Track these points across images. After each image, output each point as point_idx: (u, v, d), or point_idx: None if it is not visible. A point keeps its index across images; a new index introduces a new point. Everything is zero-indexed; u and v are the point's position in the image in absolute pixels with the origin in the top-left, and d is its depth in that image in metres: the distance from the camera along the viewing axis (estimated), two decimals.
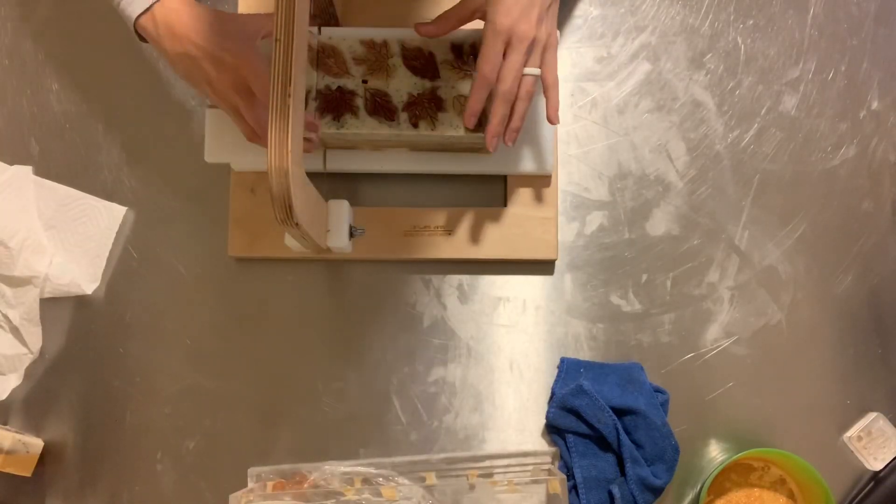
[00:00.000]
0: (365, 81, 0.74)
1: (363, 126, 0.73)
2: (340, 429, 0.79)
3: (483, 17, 0.67)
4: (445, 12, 0.70)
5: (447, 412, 0.80)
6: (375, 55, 0.74)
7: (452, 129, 0.73)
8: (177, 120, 0.82)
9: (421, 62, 0.74)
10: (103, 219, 0.80)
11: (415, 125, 0.73)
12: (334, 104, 0.73)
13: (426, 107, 0.73)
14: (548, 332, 0.81)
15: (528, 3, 0.64)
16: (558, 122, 0.73)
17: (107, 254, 0.80)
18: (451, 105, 0.73)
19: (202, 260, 0.81)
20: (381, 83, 0.74)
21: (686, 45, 0.85)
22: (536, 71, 0.68)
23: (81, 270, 0.79)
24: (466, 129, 0.72)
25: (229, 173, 0.80)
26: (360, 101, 0.73)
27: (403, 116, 0.73)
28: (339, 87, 0.73)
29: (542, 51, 0.68)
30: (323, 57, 0.74)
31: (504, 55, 0.66)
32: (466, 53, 0.74)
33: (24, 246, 0.77)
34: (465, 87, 0.74)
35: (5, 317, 0.78)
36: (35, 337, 0.78)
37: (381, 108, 0.73)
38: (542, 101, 0.80)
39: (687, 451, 0.78)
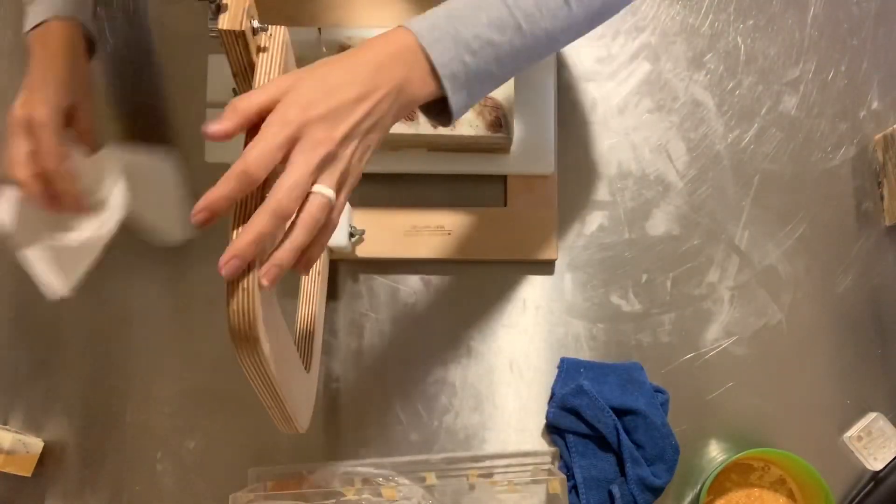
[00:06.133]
0: None
1: None
2: (340, 429, 0.79)
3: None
4: (231, 104, 0.48)
5: (447, 412, 0.80)
6: None
7: (472, 129, 0.73)
8: (177, 120, 0.82)
9: None
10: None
11: (434, 126, 0.73)
12: None
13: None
14: (548, 332, 0.81)
15: (338, 108, 0.47)
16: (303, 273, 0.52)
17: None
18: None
19: (202, 260, 0.81)
20: None
21: (686, 45, 0.85)
22: (329, 192, 0.48)
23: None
24: (488, 129, 0.72)
25: None
26: None
27: (423, 117, 0.73)
28: None
29: (340, 181, 0.49)
30: None
31: (286, 156, 0.46)
32: None
33: None
34: None
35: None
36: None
37: None
38: (541, 100, 0.80)
39: (687, 451, 0.78)
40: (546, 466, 0.79)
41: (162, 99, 0.83)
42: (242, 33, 0.50)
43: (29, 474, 0.77)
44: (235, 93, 0.76)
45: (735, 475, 0.79)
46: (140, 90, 0.83)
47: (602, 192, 0.83)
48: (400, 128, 0.73)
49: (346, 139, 0.48)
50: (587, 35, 0.85)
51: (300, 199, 0.47)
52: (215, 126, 0.47)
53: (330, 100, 0.47)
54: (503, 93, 0.74)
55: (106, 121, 0.83)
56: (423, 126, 0.73)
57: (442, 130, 0.73)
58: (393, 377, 0.80)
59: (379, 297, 0.81)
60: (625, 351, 0.81)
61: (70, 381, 0.80)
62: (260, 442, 0.79)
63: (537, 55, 0.56)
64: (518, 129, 0.79)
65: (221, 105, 0.78)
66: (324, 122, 0.47)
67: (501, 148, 0.78)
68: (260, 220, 0.46)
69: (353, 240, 0.77)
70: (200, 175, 0.81)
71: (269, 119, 0.47)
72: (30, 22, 0.69)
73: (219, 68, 0.79)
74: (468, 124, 0.73)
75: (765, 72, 0.85)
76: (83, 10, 0.70)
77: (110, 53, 0.84)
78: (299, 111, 0.47)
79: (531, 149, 0.79)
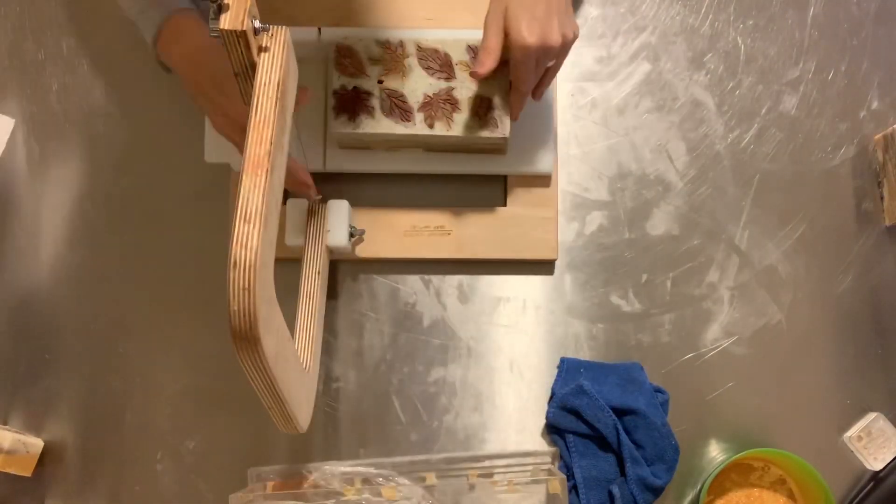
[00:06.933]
0: (381, 82, 0.74)
1: (379, 126, 0.73)
2: (340, 429, 0.79)
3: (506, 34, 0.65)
4: (483, 47, 0.67)
5: (447, 412, 0.80)
6: (391, 55, 0.74)
7: (468, 129, 0.73)
8: (177, 120, 0.82)
9: (437, 63, 0.74)
10: None
11: (430, 126, 0.73)
12: (350, 104, 0.73)
13: (442, 107, 0.73)
14: (548, 332, 0.81)
15: (545, 12, 0.64)
16: (539, 100, 0.74)
17: None
18: (467, 106, 0.74)
19: (202, 260, 0.81)
20: (397, 83, 0.74)
21: (686, 45, 0.85)
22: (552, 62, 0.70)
23: None
24: (485, 130, 0.73)
25: (229, 173, 0.80)
26: (375, 102, 0.73)
27: (419, 117, 0.73)
28: (354, 87, 0.73)
29: (564, 51, 0.68)
30: (339, 57, 0.74)
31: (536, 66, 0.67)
32: None
33: None
34: (480, 87, 0.74)
35: None
36: None
37: (397, 108, 0.73)
38: (541, 100, 0.80)
39: (687, 451, 0.78)
40: (546, 466, 0.79)
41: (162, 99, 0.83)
42: (244, 33, 0.50)
43: (29, 474, 0.77)
44: None
45: (735, 475, 0.79)
46: (140, 90, 0.83)
47: (602, 192, 0.83)
48: (396, 128, 0.73)
49: (562, 24, 0.65)
50: (587, 35, 0.86)
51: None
52: (482, 68, 0.66)
53: (538, 7, 0.63)
54: (498, 93, 0.74)
55: (105, 122, 0.83)
56: (419, 126, 0.73)
57: (437, 131, 0.73)
58: (393, 377, 0.80)
59: (379, 297, 0.81)
60: (625, 351, 0.81)
61: (70, 381, 0.80)
62: (260, 442, 0.79)
63: None
64: (518, 128, 0.79)
65: None
66: (547, 28, 0.64)
67: (498, 149, 0.78)
68: (524, 103, 0.72)
69: (352, 240, 0.77)
70: (200, 174, 0.81)
71: (515, 54, 0.65)
72: (154, 22, 0.70)
73: None
74: (464, 125, 0.73)
75: (765, 72, 0.85)
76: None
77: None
78: (526, 36, 0.63)
79: (531, 149, 0.79)
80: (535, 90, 0.72)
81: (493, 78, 0.73)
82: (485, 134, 0.73)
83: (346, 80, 0.73)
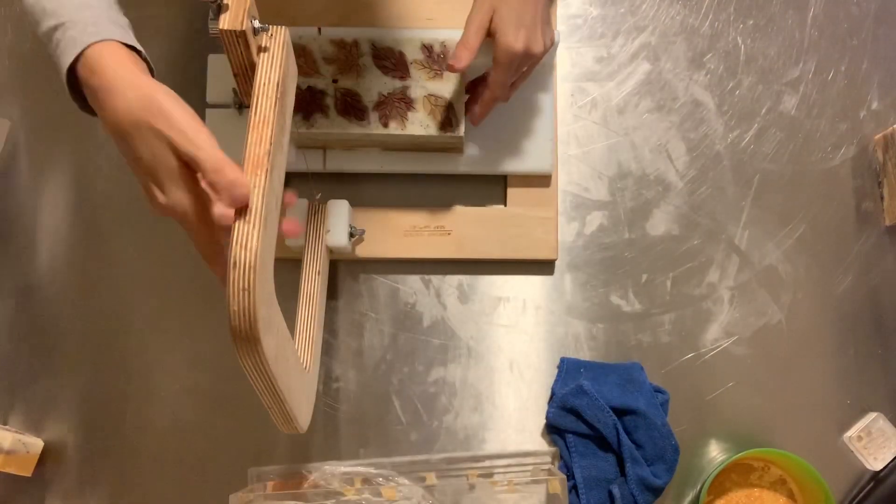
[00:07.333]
0: (335, 81, 0.73)
1: (333, 126, 0.73)
2: (340, 429, 0.79)
3: (492, 35, 0.66)
4: (462, 43, 0.66)
5: (447, 412, 0.80)
6: (346, 54, 0.73)
7: (423, 128, 0.73)
8: None
9: (391, 62, 0.74)
10: None
11: (385, 125, 0.73)
12: (304, 104, 0.72)
13: (396, 106, 0.73)
14: (548, 332, 0.81)
15: (532, 20, 0.65)
16: (505, 101, 0.74)
17: None
18: (422, 104, 0.73)
19: (202, 260, 0.81)
20: (352, 83, 0.73)
21: (686, 45, 0.85)
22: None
23: None
24: (439, 129, 0.73)
25: None
26: (330, 101, 0.73)
27: (374, 116, 0.73)
28: (308, 86, 0.73)
29: (544, 50, 0.70)
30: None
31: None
32: (437, 53, 0.74)
33: None
34: (435, 86, 0.73)
35: None
36: None
37: (352, 107, 0.73)
38: (541, 100, 0.80)
39: (687, 451, 0.78)
40: (546, 466, 0.79)
41: None
42: (243, 33, 0.50)
43: (29, 474, 0.77)
44: (236, 93, 0.77)
45: (735, 475, 0.79)
46: None
47: (602, 192, 0.83)
48: (350, 127, 0.73)
49: (544, 32, 0.67)
50: (587, 35, 0.86)
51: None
52: (458, 63, 0.65)
53: (526, 14, 0.65)
54: (454, 92, 0.73)
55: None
56: (373, 126, 0.73)
57: (392, 130, 0.73)
58: (393, 377, 0.80)
59: (379, 297, 0.81)
60: (625, 351, 0.81)
61: (70, 381, 0.80)
62: (260, 442, 0.79)
63: None
64: (518, 128, 0.79)
65: (221, 105, 0.78)
66: (533, 36, 0.65)
67: (455, 147, 0.78)
68: (493, 104, 0.73)
69: (352, 240, 0.77)
70: None
71: (501, 58, 0.66)
72: (76, 48, 0.52)
73: (219, 68, 0.79)
74: (419, 124, 0.73)
75: (765, 72, 0.85)
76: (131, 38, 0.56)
77: None
78: (514, 41, 0.64)
79: (531, 148, 0.79)
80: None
81: (448, 77, 0.73)
82: (440, 133, 0.73)
83: (301, 80, 0.73)
